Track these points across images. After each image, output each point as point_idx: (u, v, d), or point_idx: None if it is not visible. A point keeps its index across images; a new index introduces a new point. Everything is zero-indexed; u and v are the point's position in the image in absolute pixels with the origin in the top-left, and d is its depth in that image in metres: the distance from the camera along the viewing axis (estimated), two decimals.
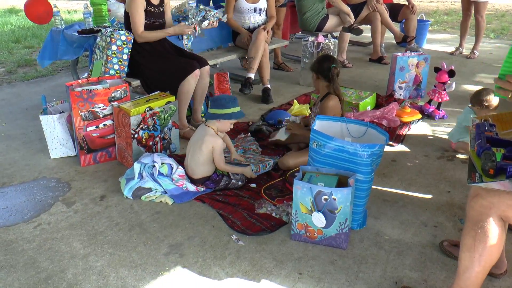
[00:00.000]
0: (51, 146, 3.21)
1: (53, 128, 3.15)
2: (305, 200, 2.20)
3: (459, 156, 3.24)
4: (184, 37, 4.02)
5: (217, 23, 3.98)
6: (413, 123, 3.79)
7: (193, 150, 2.79)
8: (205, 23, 3.81)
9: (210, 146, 2.72)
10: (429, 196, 2.77)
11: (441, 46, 6.69)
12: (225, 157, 2.89)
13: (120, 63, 3.39)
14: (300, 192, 2.20)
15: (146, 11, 3.45)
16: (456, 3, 11.26)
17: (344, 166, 2.29)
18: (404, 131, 3.64)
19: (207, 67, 3.62)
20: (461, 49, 6.20)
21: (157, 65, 3.48)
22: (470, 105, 3.25)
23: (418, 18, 6.24)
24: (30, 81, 5.23)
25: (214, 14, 3.88)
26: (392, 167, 3.11)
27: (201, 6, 3.93)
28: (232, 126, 2.86)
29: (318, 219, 2.21)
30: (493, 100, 3.09)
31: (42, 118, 3.12)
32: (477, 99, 3.15)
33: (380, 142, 2.31)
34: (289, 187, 2.72)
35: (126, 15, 3.50)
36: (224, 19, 4.05)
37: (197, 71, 3.45)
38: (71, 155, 3.25)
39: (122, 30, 3.38)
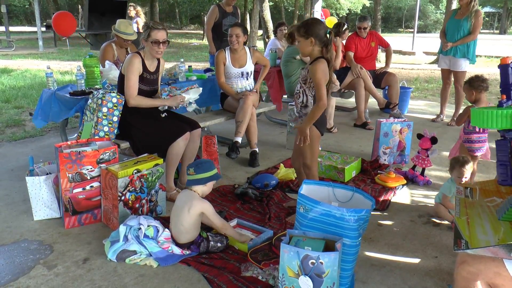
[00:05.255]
0: (35, 208, 3.16)
1: (38, 190, 3.12)
2: (292, 263, 2.18)
3: (446, 222, 3.26)
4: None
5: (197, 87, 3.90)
6: (398, 188, 3.84)
7: (177, 215, 2.73)
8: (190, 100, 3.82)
9: (199, 210, 2.69)
10: (416, 261, 2.76)
11: (422, 113, 6.91)
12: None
13: (110, 125, 3.42)
14: (287, 255, 2.18)
15: (141, 77, 3.52)
16: (436, 71, 11.75)
17: (331, 230, 2.29)
18: (390, 197, 3.67)
19: (198, 130, 3.66)
20: (442, 116, 6.40)
21: (148, 127, 3.51)
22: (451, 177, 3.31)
23: (400, 85, 6.48)
24: (17, 142, 5.22)
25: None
26: (378, 232, 3.11)
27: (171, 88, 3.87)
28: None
29: (305, 283, 2.18)
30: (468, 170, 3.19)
31: (28, 179, 3.10)
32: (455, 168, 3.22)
33: (367, 207, 2.33)
34: (276, 251, 2.70)
35: (121, 77, 3.56)
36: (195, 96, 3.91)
37: (187, 134, 3.50)
38: (56, 217, 3.20)
39: (113, 92, 3.44)
